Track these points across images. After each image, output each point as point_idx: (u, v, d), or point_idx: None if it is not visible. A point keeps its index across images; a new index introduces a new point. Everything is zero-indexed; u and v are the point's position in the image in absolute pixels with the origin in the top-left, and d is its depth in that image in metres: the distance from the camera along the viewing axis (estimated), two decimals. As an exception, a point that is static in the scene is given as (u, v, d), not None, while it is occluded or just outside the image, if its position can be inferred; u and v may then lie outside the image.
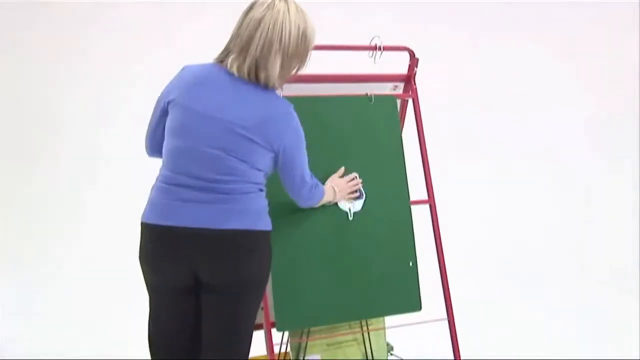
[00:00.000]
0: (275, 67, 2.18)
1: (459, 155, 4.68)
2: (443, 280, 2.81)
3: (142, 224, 2.23)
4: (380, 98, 2.79)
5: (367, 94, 2.78)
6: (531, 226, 4.62)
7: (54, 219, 4.25)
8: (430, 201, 2.85)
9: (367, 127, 2.76)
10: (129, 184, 3.75)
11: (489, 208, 4.62)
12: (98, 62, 4.44)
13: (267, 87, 2.20)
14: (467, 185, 4.64)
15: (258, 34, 2.16)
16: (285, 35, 2.18)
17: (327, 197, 2.51)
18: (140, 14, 4.46)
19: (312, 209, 2.60)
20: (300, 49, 2.20)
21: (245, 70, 2.17)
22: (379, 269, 2.70)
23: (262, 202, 2.24)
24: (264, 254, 2.23)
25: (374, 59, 2.71)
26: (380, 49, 2.70)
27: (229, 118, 2.17)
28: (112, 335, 3.58)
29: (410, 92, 2.88)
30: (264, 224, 2.24)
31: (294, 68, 2.23)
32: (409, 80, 2.88)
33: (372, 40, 2.71)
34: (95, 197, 4.32)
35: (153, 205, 2.22)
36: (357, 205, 2.69)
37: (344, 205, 2.67)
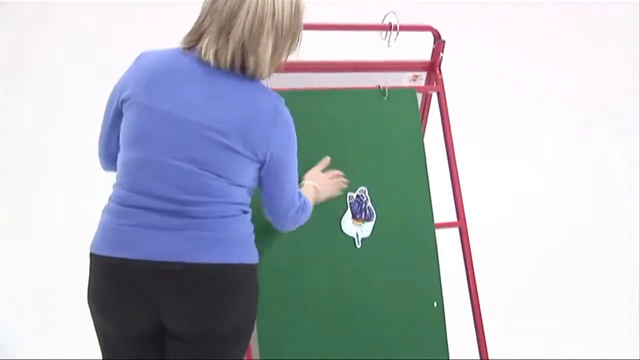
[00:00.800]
0: (267, 50, 2.03)
1: (498, 164, 4.58)
2: (477, 325, 2.68)
3: (91, 255, 2.04)
4: (397, 91, 2.72)
5: (379, 86, 2.68)
6: (583, 259, 4.53)
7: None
8: (461, 223, 2.76)
9: (380, 128, 2.69)
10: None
11: (534, 231, 4.55)
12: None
13: (252, 78, 2.02)
14: (509, 202, 4.56)
15: (245, 9, 2.00)
16: (279, 7, 2.04)
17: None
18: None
19: (307, 231, 2.39)
20: (294, 24, 2.07)
21: (228, 57, 1.99)
22: (395, 310, 2.62)
23: (245, 227, 2.06)
24: (249, 294, 2.05)
25: (388, 41, 2.62)
26: (396, 28, 2.60)
27: (202, 121, 2.01)
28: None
29: (434, 84, 2.80)
30: (249, 255, 2.05)
31: (287, 50, 2.05)
32: (433, 68, 2.78)
33: (385, 18, 2.61)
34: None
35: (105, 231, 2.03)
36: (366, 230, 2.58)
37: (351, 229, 2.54)
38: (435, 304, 2.64)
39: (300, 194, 2.18)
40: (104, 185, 3.91)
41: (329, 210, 2.51)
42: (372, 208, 2.60)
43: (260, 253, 2.23)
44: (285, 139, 2.08)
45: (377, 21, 2.65)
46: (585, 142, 4.70)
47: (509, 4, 4.61)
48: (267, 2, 2.04)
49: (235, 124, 2.03)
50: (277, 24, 2.05)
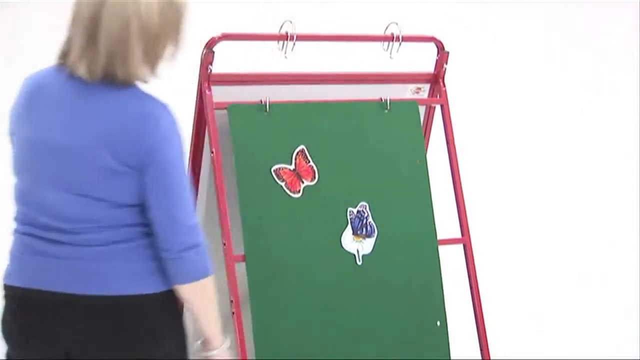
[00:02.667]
0: (136, 57, 1.85)
1: (504, 179, 4.56)
2: (482, 347, 2.64)
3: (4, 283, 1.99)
4: (399, 104, 2.68)
5: (381, 99, 2.65)
6: (597, 277, 4.46)
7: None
8: (465, 239, 2.71)
9: (382, 141, 2.65)
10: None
11: (542, 247, 4.50)
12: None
13: (125, 85, 1.87)
14: (515, 218, 4.52)
15: (107, 12, 1.84)
16: (143, 6, 1.84)
17: (211, 322, 2.01)
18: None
19: (306, 247, 2.43)
20: (169, 20, 1.87)
21: (98, 69, 1.83)
22: (396, 329, 2.58)
23: (141, 252, 1.90)
24: (157, 331, 1.90)
25: (390, 52, 2.59)
26: (398, 39, 2.57)
27: (71, 143, 1.89)
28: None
29: (438, 96, 2.75)
30: (153, 284, 1.89)
31: (166, 48, 1.88)
32: (436, 80, 2.74)
33: (387, 29, 2.58)
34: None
35: (11, 260, 1.97)
36: (367, 246, 2.56)
37: (351, 245, 2.51)
38: (438, 323, 2.60)
39: (197, 223, 1.94)
40: None
41: (329, 226, 2.49)
42: (374, 224, 2.57)
43: (257, 264, 2.20)
44: (163, 146, 1.89)
45: (379, 32, 2.60)
46: (596, 155, 4.68)
47: (515, 15, 4.65)
48: (129, 1, 1.85)
49: (104, 139, 1.89)
50: (145, 25, 1.87)
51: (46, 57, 2.11)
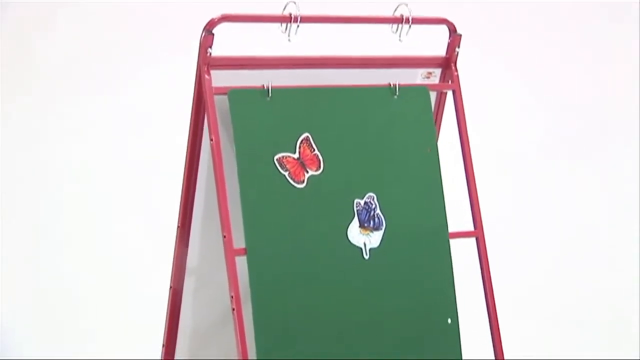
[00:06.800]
0: None
1: (519, 168, 4.53)
2: (496, 347, 2.64)
3: None
4: (409, 89, 2.65)
5: (390, 84, 2.62)
6: (611, 270, 4.46)
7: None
8: (478, 233, 2.67)
9: (390, 129, 2.62)
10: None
11: (559, 241, 4.47)
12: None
13: None
14: (530, 210, 4.49)
15: None
16: None
17: None
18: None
19: (310, 240, 2.43)
20: None
21: None
22: (405, 326, 2.56)
23: None
24: None
25: (399, 35, 2.57)
26: (408, 21, 2.56)
27: None
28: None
29: (449, 81, 2.72)
30: None
31: None
32: (448, 64, 2.70)
33: (396, 10, 2.57)
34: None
35: None
36: (375, 239, 2.53)
37: (358, 238, 2.50)
38: (449, 321, 2.59)
39: None
40: (103, 185, 4.09)
41: (335, 218, 2.47)
42: (382, 216, 2.55)
43: (258, 258, 2.20)
44: None
45: (388, 13, 2.59)
46: (622, 143, 4.66)
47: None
48: None
49: None
50: None
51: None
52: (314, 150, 2.40)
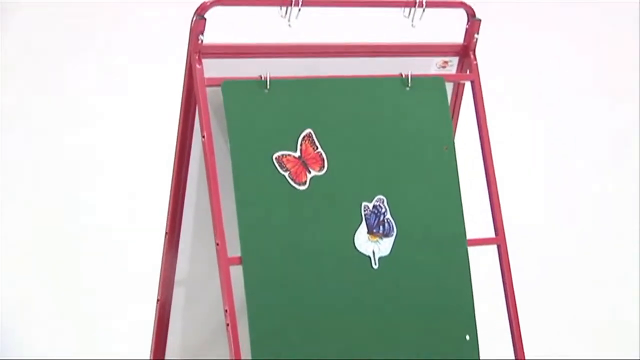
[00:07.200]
0: None
1: (545, 167, 4.50)
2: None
3: None
4: (422, 80, 2.62)
5: (401, 75, 2.58)
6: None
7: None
8: (500, 239, 2.65)
9: (402, 124, 2.59)
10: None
11: (589, 248, 4.43)
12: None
13: None
14: (556, 214, 4.45)
15: None
16: None
17: None
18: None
19: (313, 248, 2.42)
20: None
21: None
22: (419, 345, 2.53)
23: None
24: None
25: (412, 19, 2.54)
26: (422, 4, 2.54)
27: None
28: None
29: (468, 71, 2.71)
30: None
31: None
32: (466, 53, 2.70)
33: None
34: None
35: None
36: (385, 247, 2.53)
37: (366, 246, 2.49)
38: (467, 337, 2.55)
39: None
40: (82, 186, 4.17)
41: (340, 223, 2.47)
42: (392, 221, 2.53)
43: (255, 268, 2.20)
44: None
45: (400, -3, 2.59)
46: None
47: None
48: None
49: None
50: None
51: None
52: (317, 148, 2.39)
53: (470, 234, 2.59)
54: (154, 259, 2.64)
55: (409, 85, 2.56)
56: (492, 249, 2.70)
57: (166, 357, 2.64)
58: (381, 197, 2.51)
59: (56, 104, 4.42)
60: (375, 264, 2.47)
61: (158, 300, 2.57)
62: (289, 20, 2.38)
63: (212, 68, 2.34)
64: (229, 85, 2.32)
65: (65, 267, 4.25)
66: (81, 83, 4.43)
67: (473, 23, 2.65)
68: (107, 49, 4.07)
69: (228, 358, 2.31)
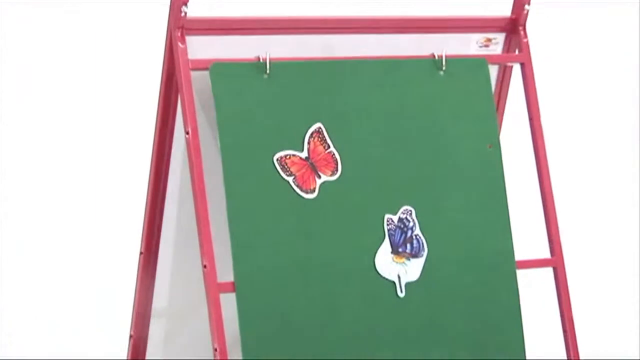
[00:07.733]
0: None
1: (611, 171, 4.46)
2: None
3: None
4: (460, 62, 2.55)
5: (434, 55, 2.52)
6: None
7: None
8: (557, 261, 2.61)
9: (434, 116, 2.52)
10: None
11: None
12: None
13: None
14: (625, 229, 4.41)
15: None
16: None
17: None
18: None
19: (323, 272, 2.37)
20: None
21: None
22: None
23: None
24: None
25: None
26: None
27: None
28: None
29: (517, 51, 2.67)
30: None
31: None
32: (514, 29, 2.67)
33: None
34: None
35: None
36: (413, 270, 2.47)
37: (389, 269, 2.45)
38: (515, 377, 2.43)
39: None
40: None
41: (358, 240, 2.40)
42: (422, 238, 2.46)
43: (250, 296, 2.19)
44: None
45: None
46: None
47: None
48: None
49: None
50: None
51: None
52: (329, 147, 2.33)
53: (519, 255, 2.53)
54: (126, 285, 2.56)
55: (444, 67, 2.49)
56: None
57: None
58: (408, 208, 2.43)
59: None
60: (402, 291, 2.41)
61: (131, 336, 2.56)
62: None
63: (199, 47, 2.29)
64: (219, 69, 2.25)
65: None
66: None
67: (523, -6, 2.46)
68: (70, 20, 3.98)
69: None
